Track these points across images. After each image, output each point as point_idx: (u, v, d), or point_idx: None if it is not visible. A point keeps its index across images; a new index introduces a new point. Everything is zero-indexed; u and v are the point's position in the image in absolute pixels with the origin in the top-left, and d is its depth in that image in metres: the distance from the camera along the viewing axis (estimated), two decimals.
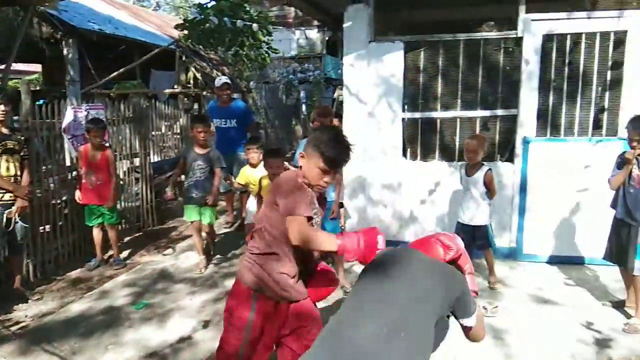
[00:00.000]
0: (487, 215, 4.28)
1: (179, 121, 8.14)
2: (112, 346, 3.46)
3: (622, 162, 3.66)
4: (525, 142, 4.84)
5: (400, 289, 1.83)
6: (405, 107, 5.17)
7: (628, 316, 3.66)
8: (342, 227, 5.18)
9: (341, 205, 5.13)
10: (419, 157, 5.22)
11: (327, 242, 2.11)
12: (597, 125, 4.78)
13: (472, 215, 4.26)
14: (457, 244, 2.09)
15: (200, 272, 4.79)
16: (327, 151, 2.18)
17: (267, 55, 10.46)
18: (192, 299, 4.22)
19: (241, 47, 9.48)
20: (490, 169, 4.24)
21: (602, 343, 3.34)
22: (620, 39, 4.58)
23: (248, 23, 9.07)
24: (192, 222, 4.85)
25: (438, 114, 5.11)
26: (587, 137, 4.75)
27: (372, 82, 5.13)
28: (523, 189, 4.90)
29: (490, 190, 4.23)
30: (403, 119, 5.17)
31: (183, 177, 5.10)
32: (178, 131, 8.10)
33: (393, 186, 5.21)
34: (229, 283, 4.49)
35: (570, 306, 3.92)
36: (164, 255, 5.40)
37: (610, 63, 4.65)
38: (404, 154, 5.26)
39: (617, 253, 3.74)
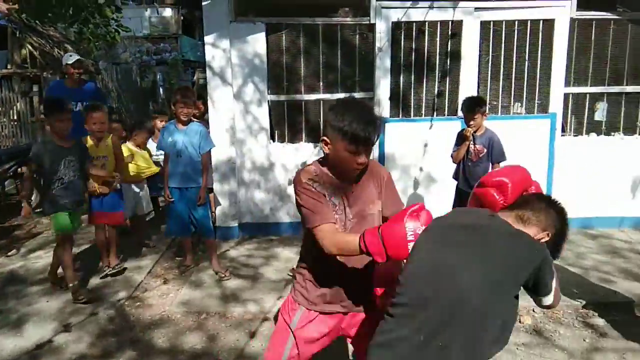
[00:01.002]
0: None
1: (15, 106, 7.18)
2: None
3: (461, 138, 4.17)
4: (382, 122, 5.23)
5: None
6: (270, 89, 5.22)
7: None
8: (213, 213, 5.10)
9: (210, 190, 5.04)
10: (286, 139, 5.33)
11: (352, 244, 1.76)
12: (440, 106, 5.34)
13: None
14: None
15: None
16: (349, 128, 1.79)
17: (116, 33, 9.64)
18: (49, 301, 3.83)
19: (85, 23, 8.59)
20: None
21: None
22: (457, 28, 5.14)
23: None
24: (62, 233, 3.81)
25: (302, 96, 5.25)
26: (432, 117, 5.29)
27: (236, 64, 5.07)
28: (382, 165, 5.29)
29: None
30: (269, 101, 5.21)
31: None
32: (15, 117, 7.15)
33: (264, 168, 5.26)
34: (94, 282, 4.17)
35: None
36: (8, 256, 4.79)
37: (449, 50, 5.21)
38: (272, 137, 5.32)
39: None
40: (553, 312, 3.53)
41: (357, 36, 5.20)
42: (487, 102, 4.97)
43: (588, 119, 5.38)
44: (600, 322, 3.43)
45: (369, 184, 2.00)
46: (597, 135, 5.38)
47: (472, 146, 4.11)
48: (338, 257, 1.92)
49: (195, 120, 4.44)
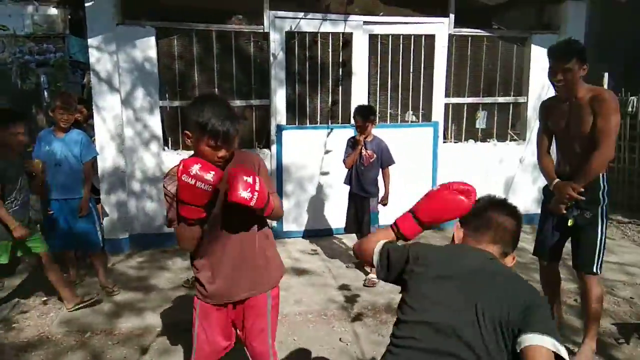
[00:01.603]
0: None
1: None
2: None
3: (354, 144, 4.36)
4: (279, 130, 5.30)
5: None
6: (162, 95, 5.07)
7: (366, 273, 4.41)
8: (102, 224, 4.82)
9: (98, 201, 4.77)
10: (181, 147, 5.20)
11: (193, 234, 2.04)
12: (334, 115, 5.53)
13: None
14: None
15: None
16: (208, 123, 1.84)
17: None
18: None
19: None
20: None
21: (350, 298, 3.93)
22: (347, 40, 5.37)
23: None
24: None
25: None
26: (327, 125, 5.47)
27: (124, 69, 4.87)
28: (279, 172, 5.37)
29: None
30: (162, 107, 5.06)
31: None
32: None
33: (155, 178, 5.08)
34: None
35: (324, 270, 4.52)
36: None
37: (340, 60, 5.42)
38: (166, 144, 5.17)
39: (356, 222, 4.45)
40: None
41: (252, 44, 5.24)
42: (377, 111, 5.25)
43: (466, 127, 5.88)
44: None
45: None
46: (475, 142, 5.90)
47: (363, 151, 4.31)
48: (209, 252, 2.08)
49: (75, 128, 4.16)
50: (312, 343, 3.27)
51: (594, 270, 2.90)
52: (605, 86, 6.03)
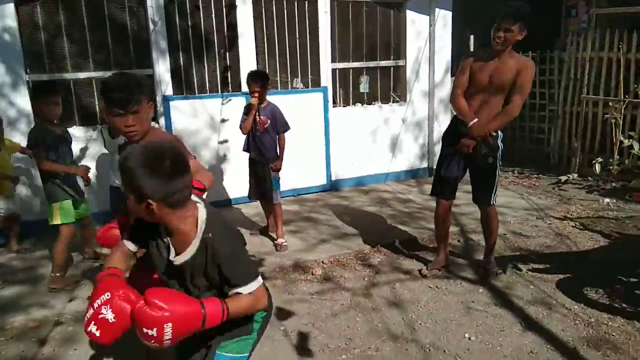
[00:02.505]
0: None
1: None
2: None
3: (248, 109, 4.33)
4: (165, 100, 5.07)
5: None
6: (29, 69, 4.57)
7: (273, 239, 4.46)
8: None
9: None
10: None
11: None
12: (225, 83, 5.42)
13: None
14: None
15: None
16: (106, 92, 1.92)
17: None
18: None
19: None
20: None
21: (257, 264, 3.95)
22: (232, 4, 5.22)
23: None
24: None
25: (70, 75, 4.74)
26: (218, 94, 5.34)
27: None
28: None
29: None
30: (28, 82, 4.56)
31: None
32: None
33: (30, 159, 4.59)
34: None
35: None
36: None
37: (225, 27, 5.28)
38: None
39: (258, 189, 4.46)
40: (339, 260, 4.01)
41: (127, 10, 4.89)
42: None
43: (353, 91, 6.12)
44: (375, 261, 4.03)
45: None
46: (362, 105, 6.17)
47: (257, 117, 4.29)
48: None
49: None
50: None
51: (492, 202, 3.56)
52: (471, 47, 6.62)
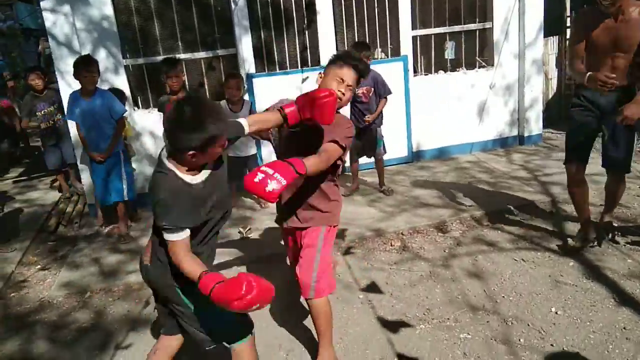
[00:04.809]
0: (254, 146, 4.82)
1: None
2: None
3: None
4: (249, 78, 5.24)
5: None
6: (127, 53, 4.94)
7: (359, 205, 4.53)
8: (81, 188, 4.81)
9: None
10: (151, 104, 5.13)
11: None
12: (304, 58, 5.47)
13: (245, 148, 4.68)
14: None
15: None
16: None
17: None
18: None
19: None
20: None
21: (339, 234, 4.04)
22: None
23: None
24: None
25: (162, 58, 5.05)
26: (298, 69, 5.42)
27: (82, 29, 4.71)
28: None
29: None
30: (126, 67, 4.94)
31: None
32: None
33: (130, 138, 5.03)
34: None
35: None
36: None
37: (304, 2, 5.30)
38: (135, 103, 5.09)
39: (363, 149, 4.83)
40: (418, 232, 3.99)
41: None
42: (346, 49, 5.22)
43: (436, 58, 5.90)
44: (456, 233, 3.95)
45: None
46: (445, 73, 5.95)
47: (357, 90, 4.31)
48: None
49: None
50: None
51: (629, 169, 3.25)
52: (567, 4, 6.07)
